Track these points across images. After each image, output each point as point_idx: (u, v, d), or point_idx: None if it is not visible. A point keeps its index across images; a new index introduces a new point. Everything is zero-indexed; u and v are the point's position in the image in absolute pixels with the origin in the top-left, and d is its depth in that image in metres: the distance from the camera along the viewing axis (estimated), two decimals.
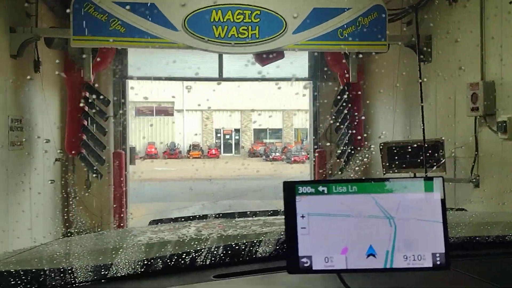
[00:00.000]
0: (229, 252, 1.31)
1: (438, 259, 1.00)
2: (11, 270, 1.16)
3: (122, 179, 6.75)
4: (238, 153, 29.80)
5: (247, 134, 30.34)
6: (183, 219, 1.95)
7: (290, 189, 1.03)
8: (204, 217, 2.04)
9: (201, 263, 1.26)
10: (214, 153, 27.24)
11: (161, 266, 1.23)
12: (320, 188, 1.02)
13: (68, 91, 5.93)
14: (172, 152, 27.10)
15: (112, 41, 4.88)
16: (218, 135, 30.08)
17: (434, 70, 5.31)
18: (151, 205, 9.85)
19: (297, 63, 7.42)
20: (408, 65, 5.57)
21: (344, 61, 6.09)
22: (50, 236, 5.45)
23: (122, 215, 6.86)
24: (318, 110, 7.42)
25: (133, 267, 1.20)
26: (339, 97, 6.37)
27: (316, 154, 7.29)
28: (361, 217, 1.01)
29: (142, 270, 1.21)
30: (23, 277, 1.13)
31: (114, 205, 6.84)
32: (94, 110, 5.90)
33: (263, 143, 29.91)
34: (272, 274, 1.23)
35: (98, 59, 5.46)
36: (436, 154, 4.57)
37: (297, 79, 7.63)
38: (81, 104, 5.70)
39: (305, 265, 1.01)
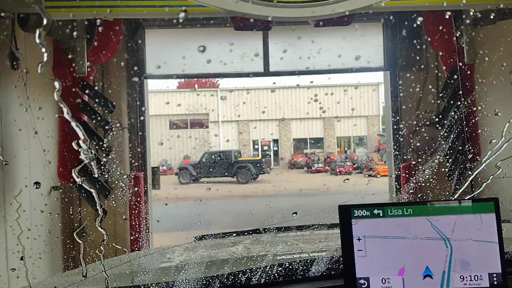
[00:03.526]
0: (283, 271, 1.35)
1: (495, 279, 0.99)
2: None
3: (141, 212, 5.02)
4: (277, 164, 28.09)
5: (286, 145, 28.62)
6: (225, 235, 1.99)
7: (346, 212, 1.03)
8: (246, 232, 2.02)
9: (256, 282, 1.31)
10: None
11: (218, 286, 1.30)
12: (376, 211, 1.02)
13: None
14: None
15: (108, 11, 3.15)
16: (256, 146, 28.45)
17: None
18: (183, 235, 8.09)
19: (367, 46, 5.52)
20: None
21: (448, 32, 4.14)
22: None
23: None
24: (399, 108, 5.45)
25: (192, 285, 1.29)
26: (444, 87, 4.37)
27: (401, 170, 5.29)
28: (417, 239, 1.00)
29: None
30: None
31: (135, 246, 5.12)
32: (93, 119, 4.17)
33: (304, 153, 28.08)
34: None
35: (96, 44, 3.75)
36: None
37: (369, 70, 5.68)
38: (77, 110, 4.00)
39: (363, 286, 1.02)
